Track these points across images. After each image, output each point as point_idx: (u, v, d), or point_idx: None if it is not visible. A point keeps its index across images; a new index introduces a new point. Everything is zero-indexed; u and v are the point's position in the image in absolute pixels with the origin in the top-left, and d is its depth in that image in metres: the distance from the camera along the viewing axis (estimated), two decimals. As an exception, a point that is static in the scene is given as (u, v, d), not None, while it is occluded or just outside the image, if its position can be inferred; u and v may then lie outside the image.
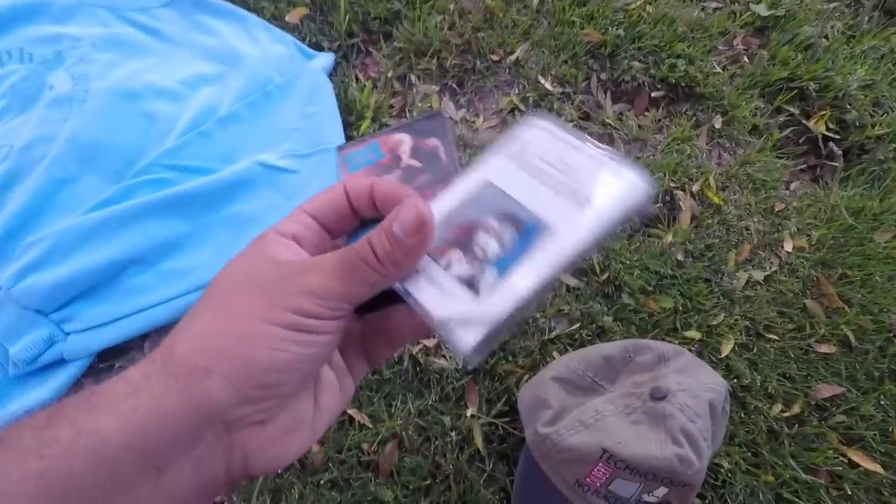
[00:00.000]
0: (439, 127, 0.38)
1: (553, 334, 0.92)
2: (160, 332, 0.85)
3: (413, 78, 1.12)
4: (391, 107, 1.09)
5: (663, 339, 0.94)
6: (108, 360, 0.84)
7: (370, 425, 0.83)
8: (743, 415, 0.93)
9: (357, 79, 1.11)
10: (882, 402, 0.97)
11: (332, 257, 0.28)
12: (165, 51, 1.05)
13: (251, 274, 0.28)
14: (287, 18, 1.14)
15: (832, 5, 1.43)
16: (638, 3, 1.26)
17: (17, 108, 0.94)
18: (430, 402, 0.85)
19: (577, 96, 1.16)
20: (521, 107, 1.13)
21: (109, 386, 0.26)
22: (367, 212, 0.32)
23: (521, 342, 0.91)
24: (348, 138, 1.03)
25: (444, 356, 0.89)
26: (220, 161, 0.95)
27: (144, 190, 0.89)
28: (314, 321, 0.27)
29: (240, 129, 0.98)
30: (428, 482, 0.81)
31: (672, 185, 1.09)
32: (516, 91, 1.15)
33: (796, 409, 0.94)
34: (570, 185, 0.31)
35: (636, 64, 1.20)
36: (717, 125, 1.19)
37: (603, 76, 1.20)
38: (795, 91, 1.25)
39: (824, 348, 1.00)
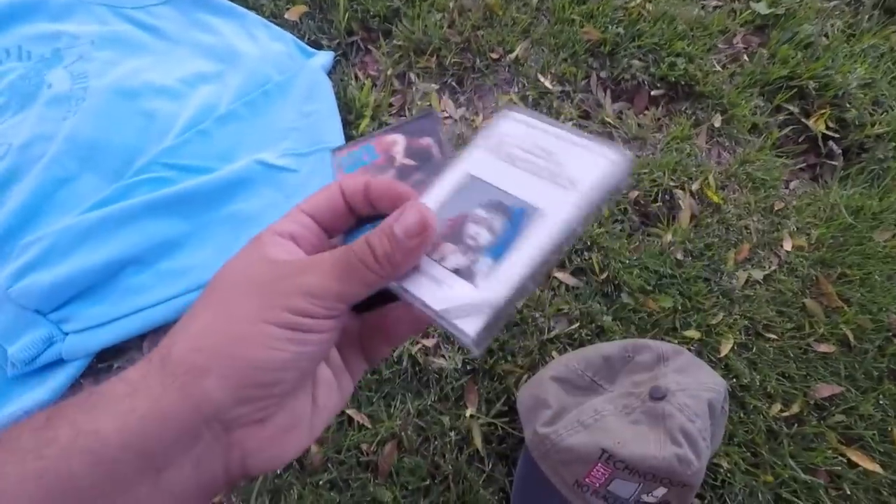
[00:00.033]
0: (432, 126, 0.39)
1: (552, 334, 0.92)
2: (159, 331, 0.84)
3: (412, 76, 1.12)
4: (390, 105, 1.09)
5: (662, 339, 0.94)
6: (106, 361, 0.84)
7: (369, 425, 0.83)
8: (742, 414, 0.93)
9: (356, 77, 1.11)
10: (881, 402, 0.97)
11: (330, 257, 0.28)
12: (164, 49, 1.05)
13: (248, 274, 0.28)
14: (286, 16, 1.14)
15: (832, 4, 1.43)
16: (638, 1, 1.26)
17: (16, 106, 0.94)
18: (429, 402, 0.85)
19: (576, 95, 1.16)
20: (521, 105, 1.12)
21: (108, 386, 0.26)
22: (362, 210, 0.32)
23: (520, 342, 0.91)
24: (348, 137, 1.03)
25: (443, 356, 0.89)
26: (218, 160, 0.95)
27: (143, 189, 0.88)
28: (310, 320, 0.27)
29: (239, 128, 0.98)
30: (427, 482, 0.81)
31: (671, 183, 1.08)
32: (516, 89, 1.15)
33: (795, 408, 0.94)
34: (550, 168, 0.32)
35: (636, 62, 1.20)
36: (717, 124, 1.19)
37: (602, 74, 1.20)
38: (795, 90, 1.25)
39: (823, 348, 1.00)
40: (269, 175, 0.95)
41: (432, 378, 0.87)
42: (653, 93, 1.20)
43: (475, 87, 1.14)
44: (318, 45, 1.13)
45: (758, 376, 0.95)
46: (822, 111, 1.24)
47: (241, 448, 0.27)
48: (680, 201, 1.07)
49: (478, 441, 0.84)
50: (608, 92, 1.19)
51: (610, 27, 1.21)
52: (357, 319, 0.34)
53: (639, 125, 1.15)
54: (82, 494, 0.24)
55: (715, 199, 1.09)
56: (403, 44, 1.13)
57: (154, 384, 0.26)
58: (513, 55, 1.16)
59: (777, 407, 0.94)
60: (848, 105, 1.25)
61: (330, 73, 1.09)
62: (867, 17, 1.42)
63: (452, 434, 0.84)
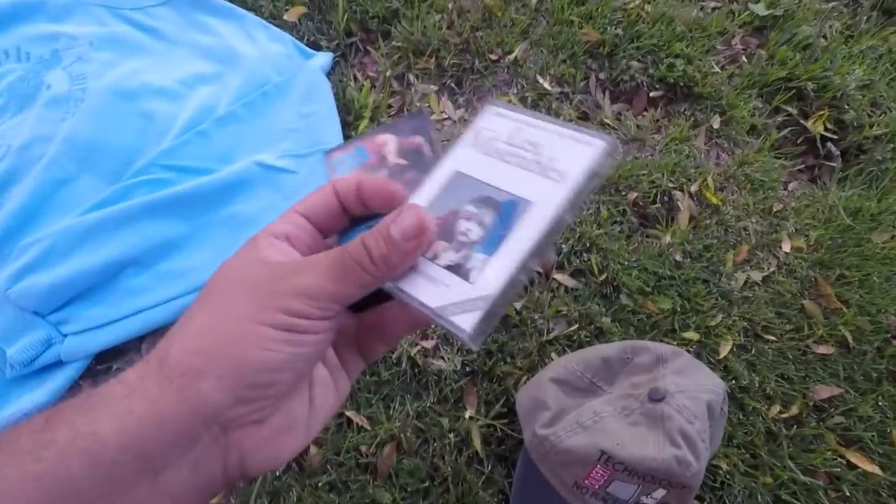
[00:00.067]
0: (422, 125, 0.39)
1: (551, 335, 0.92)
2: (158, 333, 0.84)
3: (411, 77, 1.12)
4: (389, 106, 1.09)
5: (661, 341, 0.94)
6: (105, 362, 0.83)
7: (368, 427, 0.83)
8: (741, 416, 0.93)
9: (355, 78, 1.11)
10: (880, 403, 0.97)
11: (325, 258, 0.28)
12: (163, 50, 1.05)
13: (244, 275, 0.28)
14: (285, 17, 1.14)
15: (830, 5, 1.43)
16: (636, 2, 1.26)
17: (15, 107, 0.94)
18: (428, 404, 0.85)
19: (575, 96, 1.16)
20: (520, 105, 1.12)
21: (106, 388, 0.26)
22: (356, 209, 0.33)
23: (519, 343, 0.91)
24: (347, 138, 1.03)
25: (442, 358, 0.89)
26: (217, 161, 0.95)
27: (142, 190, 0.88)
28: (305, 321, 0.27)
29: (238, 129, 0.98)
30: (426, 484, 0.81)
31: (670, 185, 1.08)
32: (515, 90, 1.15)
33: (794, 410, 0.94)
34: (534, 159, 0.32)
35: (635, 63, 1.20)
36: (716, 125, 1.19)
37: (601, 76, 1.20)
38: (794, 91, 1.25)
39: (822, 349, 1.00)
40: (268, 176, 0.95)
41: (431, 380, 0.87)
42: (651, 94, 1.20)
43: (474, 89, 1.14)
44: (316, 47, 1.13)
45: (757, 378, 0.95)
46: (821, 113, 1.24)
47: (239, 449, 0.28)
48: (679, 203, 1.08)
49: (477, 443, 0.84)
50: (607, 93, 1.19)
51: (609, 28, 1.21)
52: (353, 318, 0.34)
53: (637, 126, 1.16)
54: (81, 496, 0.24)
55: (714, 200, 1.09)
56: (402, 45, 1.13)
57: (151, 386, 0.26)
58: (512, 56, 1.16)
59: (776, 408, 0.94)
60: (846, 106, 1.25)
61: (329, 75, 1.09)
62: (865, 18, 1.43)
63: (451, 436, 0.84)
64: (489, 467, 0.84)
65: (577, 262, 0.99)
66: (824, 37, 1.35)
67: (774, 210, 1.13)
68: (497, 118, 0.35)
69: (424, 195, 0.33)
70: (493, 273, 0.29)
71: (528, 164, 0.32)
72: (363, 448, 0.82)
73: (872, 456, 0.93)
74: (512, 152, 0.33)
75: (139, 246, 0.85)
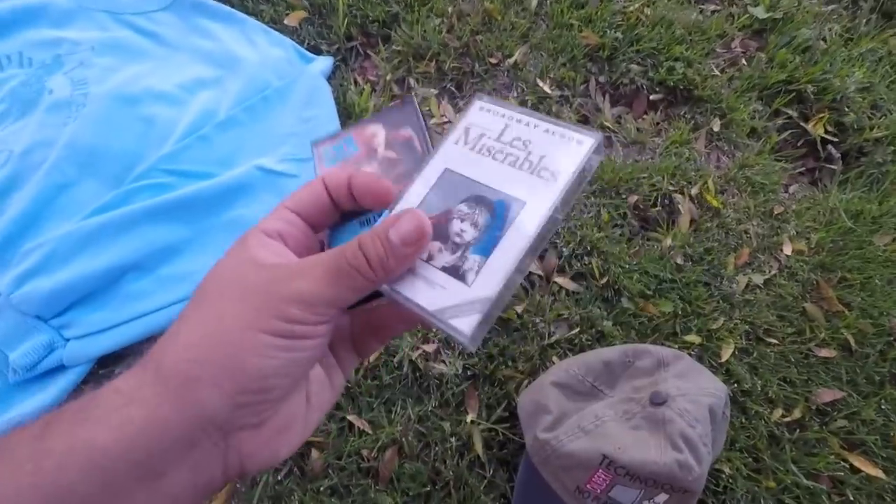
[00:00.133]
0: (411, 115, 0.39)
1: (553, 339, 0.92)
2: (159, 337, 0.84)
3: (412, 81, 1.12)
4: (390, 110, 1.09)
5: (663, 344, 0.94)
6: (107, 366, 0.83)
7: (370, 431, 0.83)
8: (744, 420, 0.92)
9: (356, 82, 1.11)
10: (883, 407, 0.96)
11: (320, 262, 0.28)
12: (164, 55, 1.05)
13: (238, 279, 0.28)
14: (286, 22, 1.14)
15: (830, 8, 1.43)
16: (636, 5, 1.26)
17: (17, 112, 0.94)
18: (429, 408, 0.85)
19: (575, 99, 1.16)
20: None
21: (101, 396, 0.26)
22: (346, 204, 0.33)
23: (520, 347, 0.91)
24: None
25: (443, 362, 0.89)
26: (218, 165, 0.95)
27: (143, 195, 0.88)
28: (301, 327, 0.27)
29: (238, 134, 0.98)
30: (428, 489, 0.81)
31: (671, 188, 1.08)
32: (515, 94, 1.15)
33: (797, 413, 0.94)
34: (524, 157, 0.32)
35: (634, 67, 1.20)
36: (716, 128, 1.19)
37: (601, 79, 1.20)
38: (793, 94, 1.25)
39: (824, 352, 0.99)
40: (269, 180, 0.95)
41: (433, 384, 0.87)
42: (651, 97, 1.20)
43: (474, 92, 1.14)
44: (317, 51, 1.13)
45: (759, 381, 0.95)
46: (821, 115, 1.25)
47: (239, 451, 0.28)
48: (679, 206, 1.08)
49: (478, 447, 0.84)
50: (607, 96, 1.19)
51: (608, 32, 1.21)
52: (347, 316, 0.34)
53: (638, 130, 1.16)
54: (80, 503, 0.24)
55: (714, 203, 1.09)
56: (402, 49, 1.13)
57: (148, 394, 0.26)
58: (512, 60, 1.16)
59: (779, 412, 0.94)
60: (846, 109, 1.25)
61: (329, 79, 1.09)
62: (865, 21, 1.43)
63: (453, 440, 0.84)
64: (491, 471, 0.84)
65: (578, 265, 0.99)
66: (824, 39, 1.35)
67: (775, 213, 1.13)
68: (486, 114, 0.35)
69: (416, 193, 0.33)
70: (490, 275, 0.29)
71: (519, 162, 0.32)
72: (365, 452, 0.82)
73: (876, 460, 0.92)
74: (502, 150, 0.33)
75: (140, 250, 0.85)
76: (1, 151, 0.90)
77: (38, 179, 0.86)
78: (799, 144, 1.24)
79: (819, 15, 1.39)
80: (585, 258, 0.99)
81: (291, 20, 1.14)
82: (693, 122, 1.19)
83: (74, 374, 0.80)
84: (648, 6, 1.27)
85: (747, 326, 1.00)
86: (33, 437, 0.25)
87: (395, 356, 0.87)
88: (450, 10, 1.18)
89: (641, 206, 1.08)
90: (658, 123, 1.18)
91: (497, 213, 0.31)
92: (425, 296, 0.30)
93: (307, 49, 1.12)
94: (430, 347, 0.89)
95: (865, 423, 0.95)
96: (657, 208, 1.07)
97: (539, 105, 1.14)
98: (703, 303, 1.00)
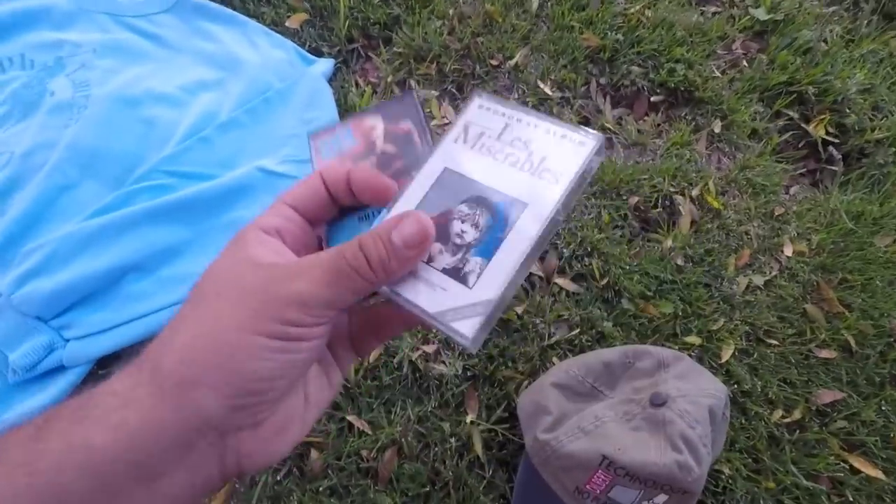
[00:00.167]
0: (411, 108, 0.38)
1: (553, 340, 0.92)
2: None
3: (413, 83, 1.12)
4: (391, 112, 1.09)
5: (663, 345, 0.94)
6: (107, 367, 0.84)
7: (369, 432, 0.83)
8: (743, 420, 0.92)
9: (357, 84, 1.11)
10: (883, 408, 0.96)
11: (319, 263, 0.28)
12: (166, 57, 1.05)
13: (235, 279, 0.28)
14: (287, 24, 1.14)
15: (831, 9, 1.43)
16: (637, 7, 1.26)
17: (19, 114, 0.94)
18: (429, 409, 0.85)
19: (576, 101, 1.16)
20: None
21: (97, 397, 0.26)
22: (345, 199, 0.32)
23: (520, 348, 0.91)
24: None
25: (443, 362, 0.89)
26: (219, 167, 0.95)
27: (144, 196, 0.89)
28: (299, 329, 0.27)
29: (240, 135, 0.98)
30: (427, 489, 0.81)
31: (671, 189, 1.08)
32: (516, 95, 1.15)
33: (797, 414, 0.94)
34: (524, 157, 0.32)
35: (635, 68, 1.20)
36: (717, 129, 1.19)
37: (602, 81, 1.20)
38: (795, 95, 1.25)
39: (825, 353, 0.99)
40: (270, 182, 0.95)
41: (433, 384, 0.87)
42: (652, 99, 1.21)
43: (473, 89, 1.14)
44: (318, 53, 1.13)
45: (759, 382, 0.95)
46: (822, 116, 1.24)
47: (236, 451, 0.27)
48: (680, 207, 1.08)
49: (478, 447, 0.84)
50: (608, 98, 1.19)
51: (609, 33, 1.21)
52: (346, 314, 0.34)
53: (639, 131, 1.16)
54: None
55: (715, 204, 1.09)
56: (404, 51, 1.13)
57: (144, 396, 0.25)
58: (512, 62, 1.16)
59: (779, 413, 0.94)
60: (847, 110, 1.25)
61: (331, 81, 1.09)
62: (866, 22, 1.43)
63: (453, 440, 0.84)
64: (490, 472, 0.84)
65: (579, 266, 0.99)
66: (825, 41, 1.35)
67: (776, 214, 1.13)
68: (485, 112, 0.34)
69: (415, 192, 0.32)
70: (492, 277, 0.29)
71: (520, 162, 0.32)
72: (364, 452, 0.82)
73: (875, 461, 0.92)
74: (503, 150, 0.33)
75: (141, 251, 0.85)
76: (2, 153, 0.90)
77: (40, 181, 0.86)
78: (800, 146, 1.24)
79: (820, 16, 1.39)
80: (586, 259, 0.99)
81: (293, 22, 1.14)
82: (694, 123, 1.19)
83: (74, 375, 0.81)
84: (649, 8, 1.27)
85: (747, 327, 1.00)
86: (29, 437, 0.25)
87: (394, 357, 0.87)
88: (451, 12, 1.18)
89: (642, 208, 1.08)
90: (659, 125, 1.18)
91: (498, 215, 0.30)
92: (426, 298, 0.29)
93: (308, 51, 1.12)
94: (430, 348, 0.89)
95: (865, 424, 0.95)
96: (658, 209, 1.07)
97: (540, 107, 1.14)
98: (704, 304, 0.99)
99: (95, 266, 0.82)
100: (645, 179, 1.08)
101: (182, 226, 0.89)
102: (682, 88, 1.21)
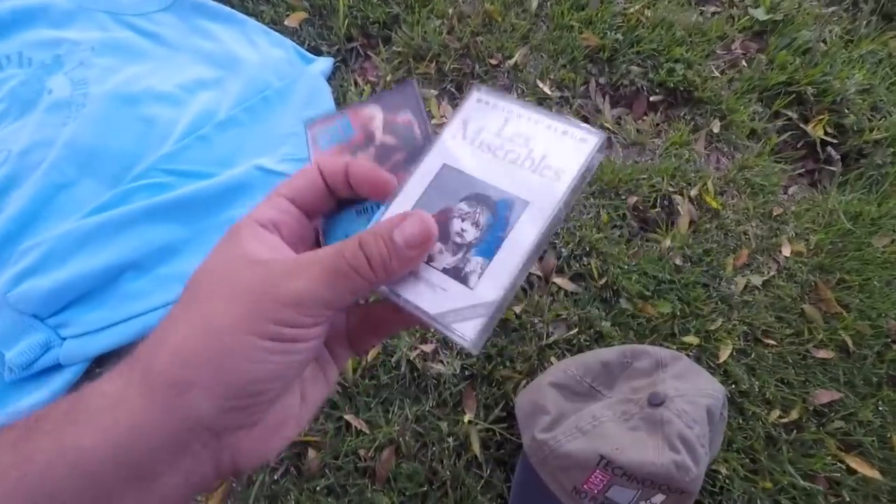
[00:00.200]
0: (411, 99, 0.37)
1: (551, 339, 0.92)
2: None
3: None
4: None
5: (661, 345, 0.94)
6: (104, 366, 0.83)
7: (367, 431, 0.83)
8: (741, 421, 0.92)
9: (356, 83, 1.11)
10: (880, 408, 0.96)
11: (318, 261, 0.27)
12: (164, 55, 1.05)
13: (231, 278, 0.27)
14: (286, 23, 1.14)
15: (830, 10, 1.43)
16: (636, 7, 1.26)
17: (16, 112, 0.94)
18: (427, 408, 0.85)
19: (575, 100, 1.16)
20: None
21: (87, 399, 0.25)
22: (342, 192, 0.31)
23: (518, 347, 0.91)
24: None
25: (441, 361, 0.89)
26: (218, 165, 0.95)
27: (142, 194, 0.89)
28: (296, 330, 0.26)
29: (238, 134, 0.98)
30: (425, 489, 0.81)
31: (670, 189, 1.08)
32: (515, 95, 1.15)
33: (794, 414, 0.94)
34: (524, 153, 0.31)
35: (635, 68, 1.20)
36: (716, 129, 1.19)
37: (601, 80, 1.20)
38: (793, 95, 1.25)
39: (822, 353, 0.99)
40: (269, 180, 0.95)
41: (430, 383, 0.87)
42: (651, 98, 1.21)
43: (471, 83, 1.14)
44: (317, 52, 1.13)
45: (756, 382, 0.95)
46: (821, 117, 1.25)
47: (231, 450, 0.27)
48: (679, 207, 1.08)
49: (476, 447, 0.84)
50: (607, 97, 1.19)
51: (609, 33, 1.21)
52: (343, 312, 0.33)
53: (638, 131, 1.16)
54: None
55: (714, 204, 1.09)
56: (403, 50, 1.13)
57: (135, 397, 0.25)
58: (512, 61, 1.16)
59: (776, 413, 0.94)
60: (846, 111, 1.25)
61: (329, 79, 1.09)
62: (865, 22, 1.43)
63: (450, 440, 0.84)
64: (488, 471, 0.84)
65: (577, 265, 0.99)
66: (824, 41, 1.35)
67: (774, 214, 1.13)
68: (484, 106, 0.34)
69: (414, 189, 0.32)
70: (493, 278, 0.28)
71: (521, 159, 0.31)
72: (362, 452, 0.82)
73: (872, 461, 0.92)
74: (502, 146, 0.32)
75: (139, 250, 0.85)
76: (0, 151, 0.90)
77: (37, 179, 0.86)
78: (798, 146, 1.24)
79: (819, 17, 1.39)
80: (584, 259, 0.99)
81: (292, 21, 1.14)
82: (693, 123, 1.19)
83: (71, 374, 0.80)
84: (649, 8, 1.27)
85: (745, 327, 1.00)
86: (18, 438, 0.24)
87: (392, 356, 0.87)
88: (450, 11, 1.18)
89: (641, 207, 1.08)
90: (658, 125, 1.18)
91: (499, 214, 0.30)
92: (426, 299, 0.29)
93: (307, 50, 1.12)
94: (428, 347, 0.89)
95: (862, 425, 0.95)
96: (656, 209, 1.07)
97: (539, 106, 1.14)
98: (702, 304, 1.00)
99: (93, 264, 0.82)
100: (644, 179, 1.08)
101: (180, 224, 0.89)
102: (682, 88, 1.21)
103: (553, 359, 0.91)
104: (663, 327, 0.97)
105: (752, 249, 1.07)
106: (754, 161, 1.17)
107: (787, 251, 1.08)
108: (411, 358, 0.87)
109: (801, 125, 1.24)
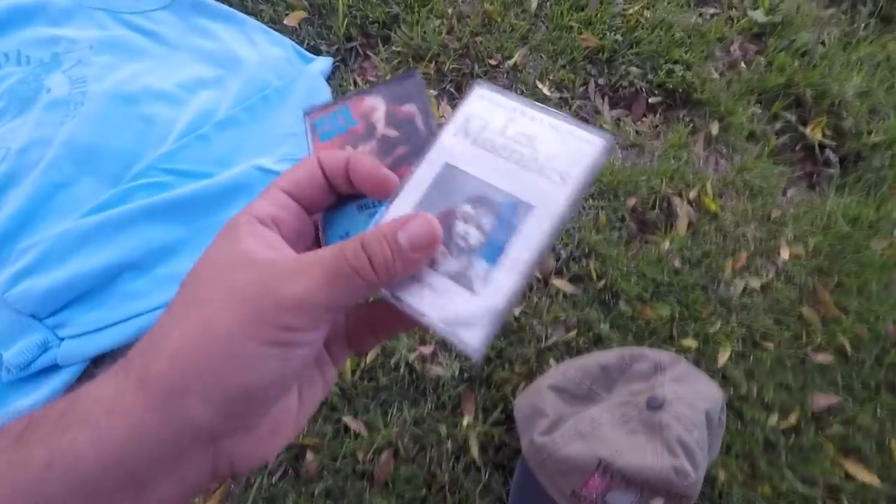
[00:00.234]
0: (414, 90, 0.35)
1: (550, 342, 0.92)
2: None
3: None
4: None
5: (660, 348, 0.94)
6: (102, 366, 0.83)
7: (365, 433, 0.83)
8: (739, 425, 0.92)
9: (355, 83, 1.11)
10: (879, 413, 0.97)
11: (319, 262, 0.26)
12: (163, 54, 1.05)
13: (227, 277, 0.26)
14: (285, 22, 1.14)
15: (829, 12, 1.43)
16: (636, 8, 1.26)
17: (14, 110, 0.93)
18: (426, 411, 0.85)
19: (574, 101, 1.16)
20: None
21: (81, 403, 0.25)
22: (343, 187, 0.31)
23: (517, 350, 0.91)
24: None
25: (440, 364, 0.88)
26: (217, 165, 0.94)
27: (141, 194, 0.88)
28: (295, 334, 0.25)
29: (237, 134, 0.98)
30: (423, 492, 0.81)
31: (669, 191, 1.08)
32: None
33: (793, 419, 0.94)
34: (530, 155, 0.30)
35: (634, 69, 1.20)
36: (714, 131, 1.19)
37: (601, 81, 1.20)
38: (792, 98, 1.26)
39: (821, 357, 0.99)
40: (268, 180, 0.93)
41: (429, 386, 0.87)
42: (650, 100, 1.20)
43: (474, 78, 1.14)
44: (317, 51, 1.13)
45: (755, 386, 0.95)
46: (819, 119, 1.25)
47: (229, 454, 0.27)
48: (677, 209, 1.07)
49: (474, 450, 0.84)
50: (606, 99, 1.19)
51: (608, 34, 1.21)
52: (343, 313, 0.32)
53: (636, 132, 1.16)
54: None
55: (712, 206, 1.09)
56: (402, 50, 1.13)
57: (130, 404, 0.24)
58: (511, 61, 1.16)
59: (774, 417, 0.94)
60: (845, 114, 1.25)
61: (329, 79, 1.09)
62: (863, 25, 1.43)
63: (449, 443, 0.84)
64: (486, 475, 0.84)
65: (576, 267, 0.99)
66: (823, 44, 1.35)
67: (773, 217, 1.13)
68: (487, 104, 0.33)
69: (415, 189, 0.31)
70: (497, 283, 0.28)
71: (525, 160, 0.30)
72: (360, 455, 0.82)
73: (871, 466, 0.92)
74: (506, 146, 0.31)
75: (137, 250, 0.85)
76: (-2, 149, 0.89)
77: (35, 177, 0.86)
78: (797, 148, 1.24)
79: (818, 19, 1.39)
80: (583, 261, 0.99)
81: (291, 20, 1.14)
82: (692, 125, 1.19)
83: (69, 374, 0.80)
84: (648, 9, 1.27)
85: (744, 330, 1.00)
86: (12, 442, 0.24)
87: (391, 358, 0.86)
88: (450, 11, 1.18)
89: (639, 209, 1.08)
90: (657, 126, 1.18)
91: (503, 217, 0.29)
92: (429, 303, 0.28)
93: (307, 49, 1.12)
94: (426, 349, 0.89)
95: (861, 429, 0.95)
96: (655, 211, 1.07)
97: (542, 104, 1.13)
98: (701, 306, 0.99)
99: (91, 264, 0.81)
100: (642, 181, 1.08)
101: (179, 224, 0.88)
102: (681, 90, 1.21)
103: (552, 361, 0.91)
104: (662, 330, 0.96)
105: (751, 252, 1.08)
106: (753, 163, 1.17)
107: (785, 254, 1.09)
108: (410, 360, 0.87)
109: (800, 128, 1.24)
